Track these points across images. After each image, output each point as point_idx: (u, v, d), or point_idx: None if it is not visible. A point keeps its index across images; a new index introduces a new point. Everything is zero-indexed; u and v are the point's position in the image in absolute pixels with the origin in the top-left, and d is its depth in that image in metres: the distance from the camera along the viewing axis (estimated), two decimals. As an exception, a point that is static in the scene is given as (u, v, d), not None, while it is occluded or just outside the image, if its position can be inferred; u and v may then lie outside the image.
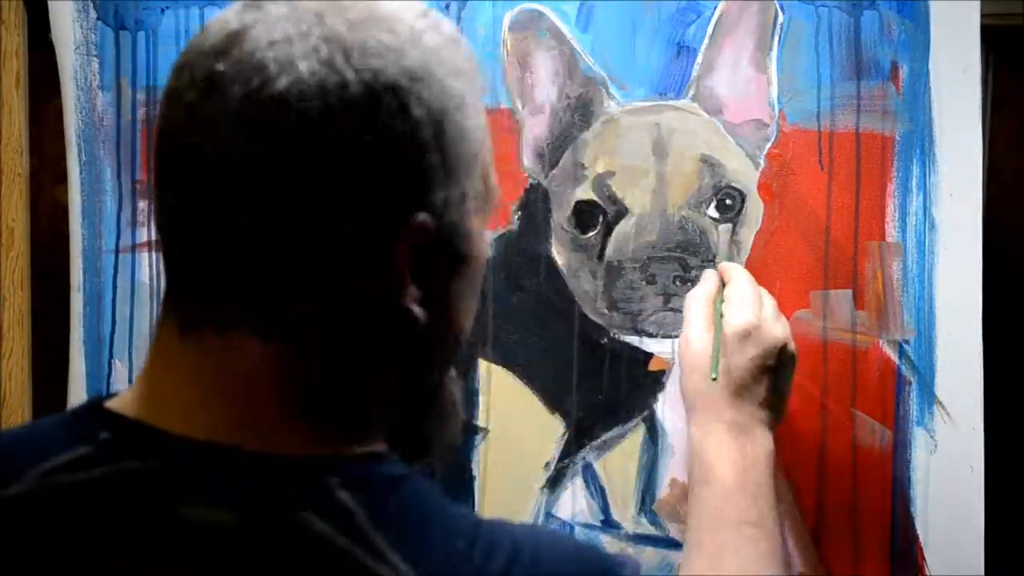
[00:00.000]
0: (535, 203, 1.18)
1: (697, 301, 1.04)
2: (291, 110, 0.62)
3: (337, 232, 0.64)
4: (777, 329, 1.01)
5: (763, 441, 0.98)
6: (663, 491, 1.18)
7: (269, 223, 0.63)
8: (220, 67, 0.64)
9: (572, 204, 1.17)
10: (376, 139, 0.63)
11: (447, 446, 0.79)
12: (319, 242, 0.64)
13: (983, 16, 1.13)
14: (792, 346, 1.03)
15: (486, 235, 0.74)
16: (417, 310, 0.67)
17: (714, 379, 0.98)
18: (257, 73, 0.63)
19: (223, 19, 0.67)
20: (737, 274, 1.06)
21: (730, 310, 1.01)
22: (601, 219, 1.16)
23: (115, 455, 0.66)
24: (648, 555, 1.18)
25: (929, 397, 1.15)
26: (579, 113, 1.17)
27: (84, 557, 0.64)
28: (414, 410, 0.74)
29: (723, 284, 1.06)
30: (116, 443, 0.66)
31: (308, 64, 0.63)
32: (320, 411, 0.67)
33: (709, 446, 0.97)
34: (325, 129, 0.62)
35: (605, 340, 1.17)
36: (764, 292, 1.06)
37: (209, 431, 0.65)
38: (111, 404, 0.69)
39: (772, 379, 1.00)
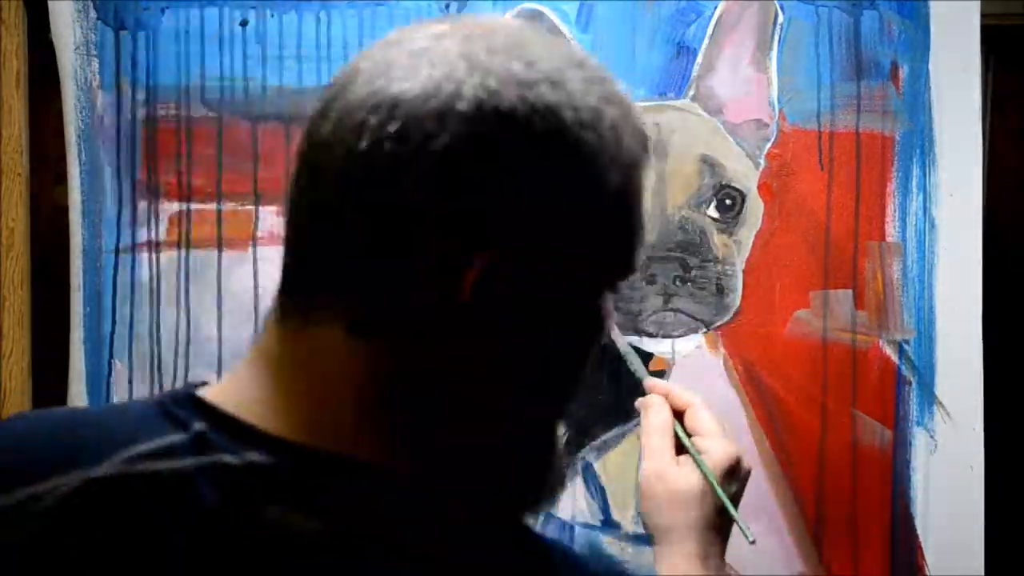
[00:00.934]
0: (535, 203, 1.18)
1: (656, 432, 0.97)
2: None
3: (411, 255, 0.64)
4: (747, 461, 0.97)
5: (721, 568, 0.95)
6: (663, 491, 1.18)
7: (392, 252, 0.64)
8: (391, 129, 0.63)
9: (572, 204, 1.17)
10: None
11: (547, 502, 0.77)
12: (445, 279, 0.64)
13: (983, 16, 1.13)
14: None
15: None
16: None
17: (752, 542, 0.95)
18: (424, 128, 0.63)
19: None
20: (694, 399, 0.99)
21: (709, 443, 0.95)
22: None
23: (208, 447, 0.65)
24: (648, 555, 1.18)
25: (929, 397, 1.15)
26: (579, 113, 1.17)
27: (161, 548, 0.64)
28: (506, 469, 0.73)
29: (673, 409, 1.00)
30: (210, 435, 0.66)
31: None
32: (396, 425, 0.67)
33: None
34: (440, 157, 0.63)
35: (605, 341, 1.17)
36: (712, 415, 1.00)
37: (298, 431, 0.65)
38: (205, 394, 0.69)
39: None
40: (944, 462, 1.14)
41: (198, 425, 0.66)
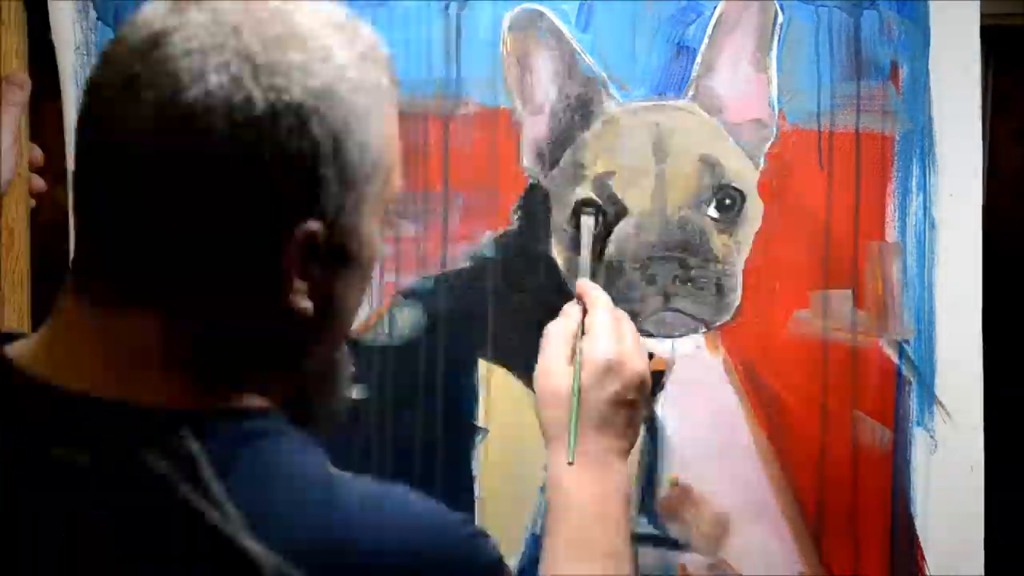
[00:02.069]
0: (535, 203, 1.18)
1: (556, 334, 1.03)
2: (198, 121, 0.67)
3: (231, 233, 0.69)
4: (637, 362, 1.00)
5: (620, 472, 0.99)
6: (663, 491, 1.18)
7: (169, 218, 0.69)
8: (137, 69, 0.69)
9: (572, 204, 1.17)
10: (274, 154, 0.68)
11: (333, 417, 0.84)
12: (213, 240, 0.69)
13: (983, 16, 1.13)
14: (649, 379, 1.02)
15: (378, 233, 0.78)
16: (305, 304, 0.72)
17: (569, 463, 0.98)
18: (170, 80, 0.68)
19: (147, 19, 0.71)
20: (598, 302, 1.04)
21: (590, 343, 1.00)
22: (601, 219, 1.16)
23: (5, 396, 0.72)
24: (648, 555, 1.18)
25: (929, 397, 1.15)
26: (579, 113, 1.17)
27: None
28: (306, 390, 0.80)
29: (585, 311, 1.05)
30: (4, 390, 0.72)
31: (218, 78, 0.68)
32: (196, 376, 0.72)
33: (568, 478, 0.98)
34: (227, 141, 0.67)
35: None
36: (625, 319, 1.04)
37: (94, 387, 0.71)
38: (10, 352, 0.74)
39: (630, 411, 1.00)
40: (944, 462, 1.14)
41: None
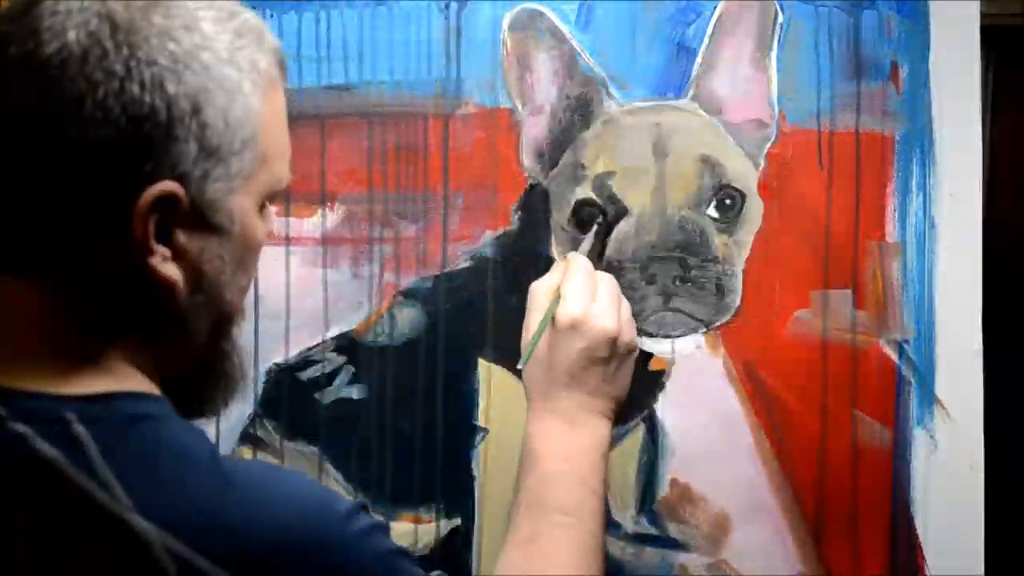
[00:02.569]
0: (535, 203, 1.18)
1: (539, 292, 1.06)
2: (53, 74, 0.69)
3: (86, 192, 0.71)
4: (606, 321, 1.02)
5: (594, 431, 1.01)
6: (663, 491, 1.18)
7: (23, 176, 0.71)
8: (6, 28, 0.71)
9: (572, 204, 1.17)
10: (125, 108, 0.70)
11: (221, 406, 0.86)
12: (69, 200, 0.71)
13: (983, 16, 1.13)
14: (628, 337, 1.04)
15: (265, 217, 0.80)
16: (168, 270, 0.73)
17: (519, 368, 1.03)
18: (31, 37, 0.70)
19: None
20: (574, 266, 1.06)
21: (562, 302, 1.03)
22: (601, 219, 1.16)
23: None
24: (648, 555, 1.18)
25: (929, 397, 1.15)
26: (579, 113, 1.17)
27: None
28: (192, 374, 0.81)
29: None
30: None
31: (75, 34, 0.70)
32: (70, 351, 0.74)
33: (536, 433, 1.01)
34: (80, 94, 0.69)
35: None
36: (605, 281, 1.06)
37: None
38: None
39: (603, 368, 1.02)
40: (944, 462, 1.14)
41: None
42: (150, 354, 0.77)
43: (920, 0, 1.14)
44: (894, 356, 1.15)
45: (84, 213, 0.71)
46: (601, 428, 1.02)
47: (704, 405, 1.17)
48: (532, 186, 1.18)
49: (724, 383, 1.17)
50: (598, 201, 1.16)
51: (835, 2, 1.15)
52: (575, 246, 1.15)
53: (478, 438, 1.18)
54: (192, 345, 0.80)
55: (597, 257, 1.15)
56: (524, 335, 1.04)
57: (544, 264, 1.17)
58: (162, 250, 0.73)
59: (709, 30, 1.16)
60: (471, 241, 1.18)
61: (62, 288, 0.73)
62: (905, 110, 1.15)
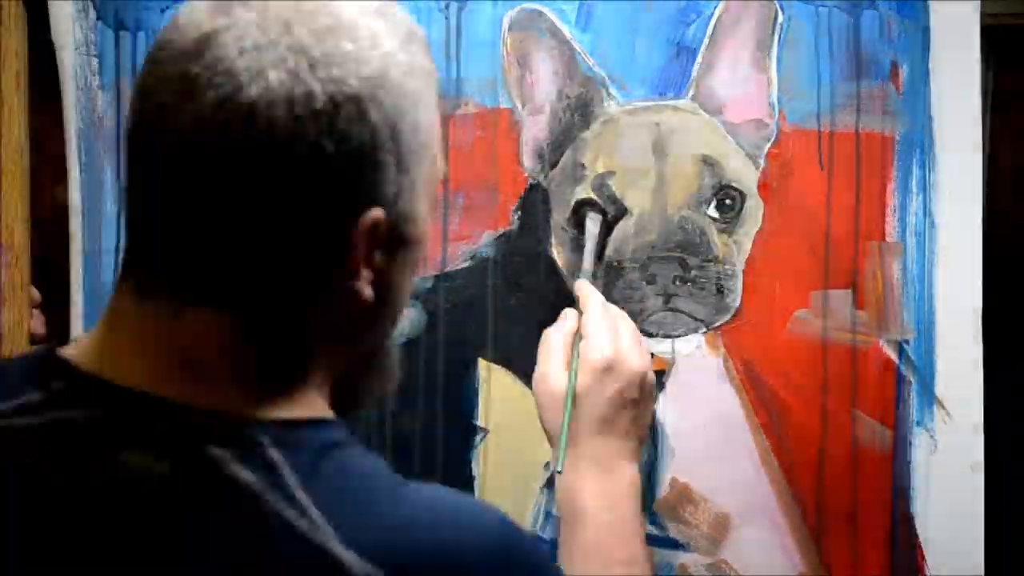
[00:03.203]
0: (535, 203, 1.18)
1: (553, 339, 1.03)
2: (260, 117, 0.67)
3: (296, 227, 0.69)
4: (635, 359, 1.00)
5: (628, 475, 0.98)
6: (663, 491, 1.18)
7: (233, 216, 0.69)
8: (194, 70, 0.69)
9: (572, 204, 1.17)
10: (336, 144, 0.69)
11: (376, 398, 0.85)
12: (278, 236, 0.69)
13: (983, 16, 1.13)
14: (651, 376, 1.02)
15: (429, 215, 0.79)
16: (368, 292, 0.73)
17: (558, 472, 0.97)
18: (229, 80, 0.68)
19: (193, 20, 0.71)
20: (592, 303, 1.04)
21: (587, 346, 1.00)
22: (601, 219, 1.16)
23: (64, 403, 0.71)
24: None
25: (929, 397, 1.15)
26: (579, 113, 1.17)
27: (21, 498, 0.69)
28: (355, 372, 0.80)
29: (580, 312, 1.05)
30: (66, 391, 0.71)
31: (276, 74, 0.68)
32: (264, 377, 0.72)
33: (575, 484, 0.97)
34: (290, 136, 0.68)
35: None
36: (622, 318, 1.03)
37: (158, 387, 0.70)
38: (66, 353, 0.73)
39: (633, 410, 0.99)
40: (944, 462, 1.14)
41: (55, 383, 0.71)
42: (328, 368, 0.76)
43: (920, 0, 1.14)
44: (894, 356, 1.15)
45: (295, 249, 0.70)
46: (633, 472, 0.99)
47: (704, 405, 1.17)
48: (532, 186, 1.18)
49: (724, 383, 1.17)
50: (598, 201, 1.16)
51: (835, 2, 1.15)
52: (575, 246, 1.15)
53: (478, 438, 1.18)
54: (365, 351, 0.79)
55: (597, 258, 1.15)
56: (541, 385, 1.00)
57: (544, 264, 1.17)
58: (366, 274, 0.72)
59: (709, 30, 1.16)
60: (471, 241, 1.18)
61: (258, 317, 0.71)
62: (905, 110, 1.15)
